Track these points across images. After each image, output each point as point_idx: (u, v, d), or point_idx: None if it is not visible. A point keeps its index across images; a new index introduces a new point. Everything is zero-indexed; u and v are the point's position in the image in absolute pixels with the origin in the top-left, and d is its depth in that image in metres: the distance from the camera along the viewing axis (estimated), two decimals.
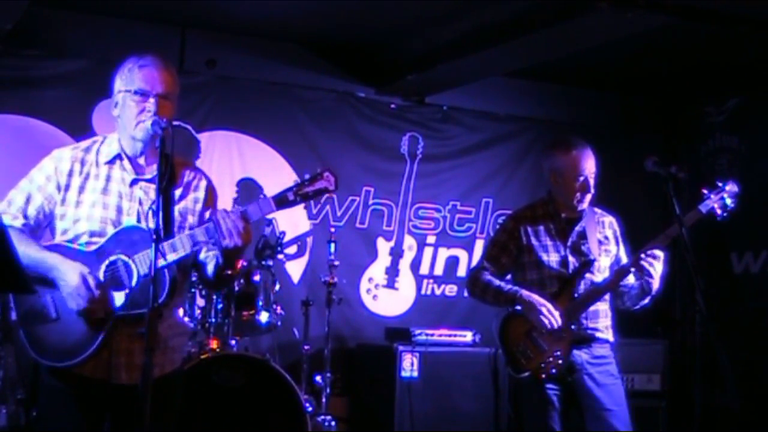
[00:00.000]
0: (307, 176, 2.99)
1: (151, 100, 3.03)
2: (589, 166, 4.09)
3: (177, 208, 3.12)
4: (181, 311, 4.92)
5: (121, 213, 3.08)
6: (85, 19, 5.81)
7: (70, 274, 2.95)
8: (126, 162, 3.12)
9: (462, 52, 5.80)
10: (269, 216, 3.02)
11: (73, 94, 5.81)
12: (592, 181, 4.11)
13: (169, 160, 2.83)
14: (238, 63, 6.25)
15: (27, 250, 2.97)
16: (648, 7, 4.77)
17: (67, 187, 3.09)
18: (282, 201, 2.97)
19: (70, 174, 3.10)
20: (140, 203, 3.10)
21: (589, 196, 4.13)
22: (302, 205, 6.34)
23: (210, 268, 3.14)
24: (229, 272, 3.11)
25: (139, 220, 3.07)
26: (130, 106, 3.06)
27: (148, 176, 3.11)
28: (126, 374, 3.01)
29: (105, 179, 3.10)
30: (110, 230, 3.04)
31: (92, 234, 3.04)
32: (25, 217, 3.09)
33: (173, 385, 3.15)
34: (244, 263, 5.10)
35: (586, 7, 4.86)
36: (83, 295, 2.94)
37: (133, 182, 3.12)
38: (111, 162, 3.12)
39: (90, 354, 2.97)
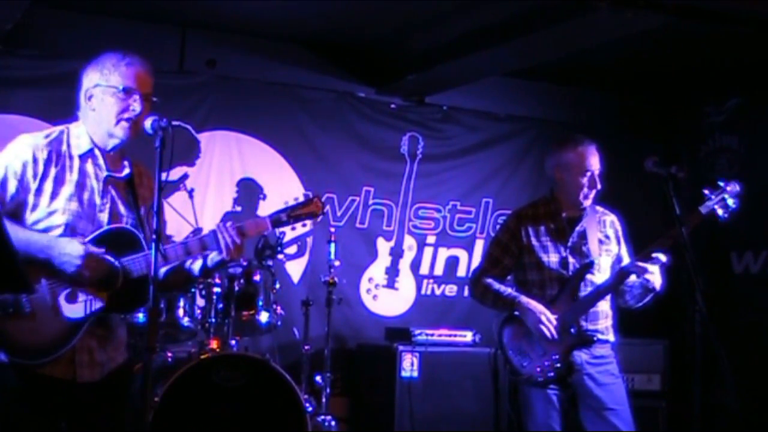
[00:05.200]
0: (298, 200, 3.23)
1: (136, 97, 3.04)
2: (595, 162, 4.13)
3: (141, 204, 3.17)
4: (181, 311, 5.00)
5: (94, 208, 3.05)
6: (84, 19, 5.80)
7: (70, 245, 2.91)
8: (99, 158, 3.10)
9: (462, 52, 5.79)
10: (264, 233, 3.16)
11: (73, 94, 5.78)
12: (598, 178, 4.13)
13: (131, 160, 2.89)
14: (238, 63, 6.24)
15: (15, 232, 2.82)
16: (648, 7, 4.77)
17: (44, 176, 3.01)
18: (277, 221, 3.20)
19: (47, 163, 3.02)
20: (112, 201, 3.09)
21: (594, 193, 4.15)
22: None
23: (196, 268, 3.23)
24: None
25: (111, 217, 3.07)
26: (110, 103, 3.05)
27: (120, 174, 3.13)
28: (89, 371, 3.00)
29: (79, 173, 3.05)
30: (82, 225, 3.01)
31: (66, 227, 2.99)
32: (1, 202, 2.98)
33: (126, 378, 3.19)
34: (244, 263, 5.11)
35: (586, 7, 4.86)
36: (96, 261, 2.92)
37: (106, 179, 3.10)
38: (84, 156, 3.08)
39: (67, 350, 2.93)
